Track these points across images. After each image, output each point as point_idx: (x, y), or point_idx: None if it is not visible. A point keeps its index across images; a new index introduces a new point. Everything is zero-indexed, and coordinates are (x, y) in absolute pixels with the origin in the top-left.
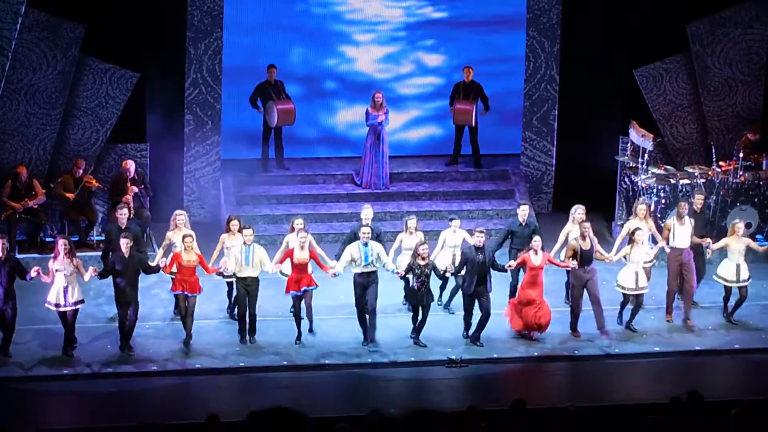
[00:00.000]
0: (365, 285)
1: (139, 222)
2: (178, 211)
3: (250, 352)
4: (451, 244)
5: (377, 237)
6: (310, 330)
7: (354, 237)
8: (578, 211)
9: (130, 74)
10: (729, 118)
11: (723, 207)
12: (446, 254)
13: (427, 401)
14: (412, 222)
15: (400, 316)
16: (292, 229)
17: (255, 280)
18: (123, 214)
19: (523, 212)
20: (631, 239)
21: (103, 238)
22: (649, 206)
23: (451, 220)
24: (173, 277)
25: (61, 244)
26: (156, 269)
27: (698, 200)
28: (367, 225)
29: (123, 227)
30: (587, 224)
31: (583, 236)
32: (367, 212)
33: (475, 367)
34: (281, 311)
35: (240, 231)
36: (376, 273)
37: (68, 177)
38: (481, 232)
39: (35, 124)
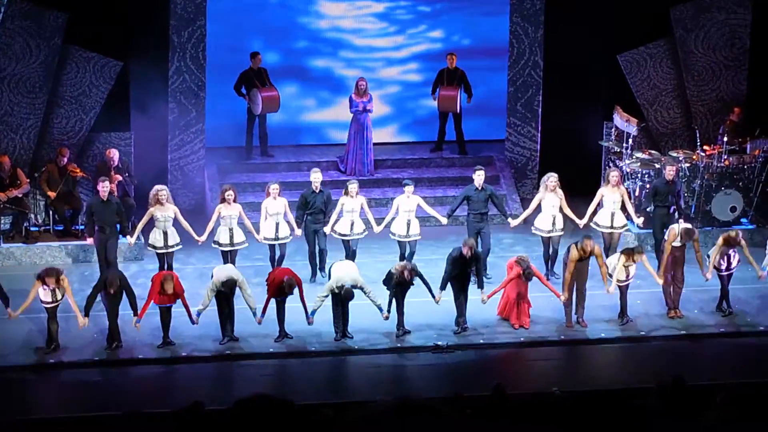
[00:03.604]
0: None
1: (124, 208)
2: (159, 186)
3: (235, 340)
4: (405, 209)
5: (327, 199)
6: (280, 335)
7: (305, 201)
8: (551, 179)
9: (114, 63)
10: (713, 103)
11: (708, 191)
12: (400, 220)
13: (413, 388)
14: (353, 186)
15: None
16: (268, 194)
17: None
18: (104, 188)
19: (479, 177)
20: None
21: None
22: (621, 174)
23: (405, 185)
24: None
25: (50, 283)
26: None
27: (669, 171)
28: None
29: (104, 200)
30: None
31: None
32: (315, 176)
33: (462, 352)
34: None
35: (235, 201)
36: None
37: (52, 166)
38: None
39: (19, 113)
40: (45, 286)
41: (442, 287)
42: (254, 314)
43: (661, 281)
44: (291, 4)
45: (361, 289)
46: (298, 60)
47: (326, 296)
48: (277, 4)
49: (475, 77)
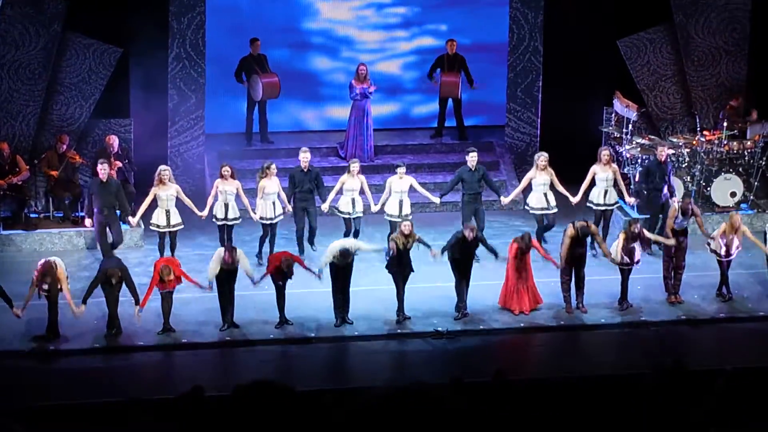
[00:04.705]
0: (342, 267)
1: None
2: (162, 167)
3: (235, 327)
4: (397, 189)
5: (316, 177)
6: (280, 321)
7: (293, 180)
8: (541, 158)
9: (114, 49)
10: (713, 88)
11: (708, 176)
12: (393, 200)
13: (413, 374)
14: (355, 166)
15: (386, 288)
16: (266, 175)
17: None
18: (103, 170)
19: (472, 159)
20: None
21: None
22: (612, 152)
23: (397, 167)
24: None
25: (44, 286)
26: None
27: (661, 151)
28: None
29: (103, 181)
30: (590, 226)
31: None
32: (304, 155)
33: (462, 338)
34: (265, 285)
35: (232, 176)
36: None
37: (52, 153)
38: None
39: (19, 100)
40: (43, 284)
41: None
42: (252, 280)
43: (672, 241)
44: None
45: (357, 251)
46: (295, 54)
47: (326, 264)
48: None
49: (475, 69)
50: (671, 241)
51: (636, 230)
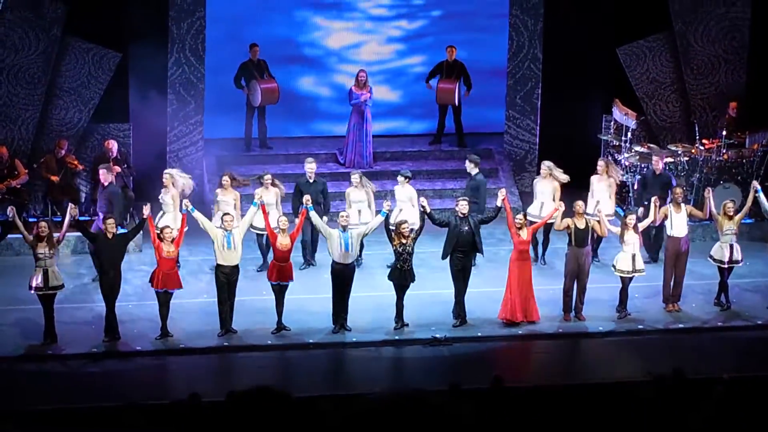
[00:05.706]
0: (343, 275)
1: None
2: (166, 171)
3: (233, 332)
4: (401, 198)
5: (323, 189)
6: (278, 327)
7: (299, 191)
8: (543, 166)
9: (113, 54)
10: (712, 96)
11: (706, 185)
12: (397, 209)
13: (410, 380)
14: (356, 177)
15: (384, 294)
16: (264, 185)
17: (235, 269)
18: (105, 173)
19: (472, 167)
20: (623, 223)
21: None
22: (608, 163)
23: (406, 177)
24: (154, 269)
25: (41, 227)
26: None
27: (656, 162)
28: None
29: (105, 185)
30: (581, 202)
31: (579, 215)
32: (309, 166)
33: (460, 345)
34: (264, 290)
35: (231, 186)
36: (354, 263)
37: (51, 157)
38: (464, 200)
39: (18, 104)
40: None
41: (444, 256)
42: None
43: (651, 218)
44: (289, 14)
45: (365, 233)
46: (292, 68)
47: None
48: (274, 9)
49: (475, 76)
50: (649, 220)
51: (631, 222)
